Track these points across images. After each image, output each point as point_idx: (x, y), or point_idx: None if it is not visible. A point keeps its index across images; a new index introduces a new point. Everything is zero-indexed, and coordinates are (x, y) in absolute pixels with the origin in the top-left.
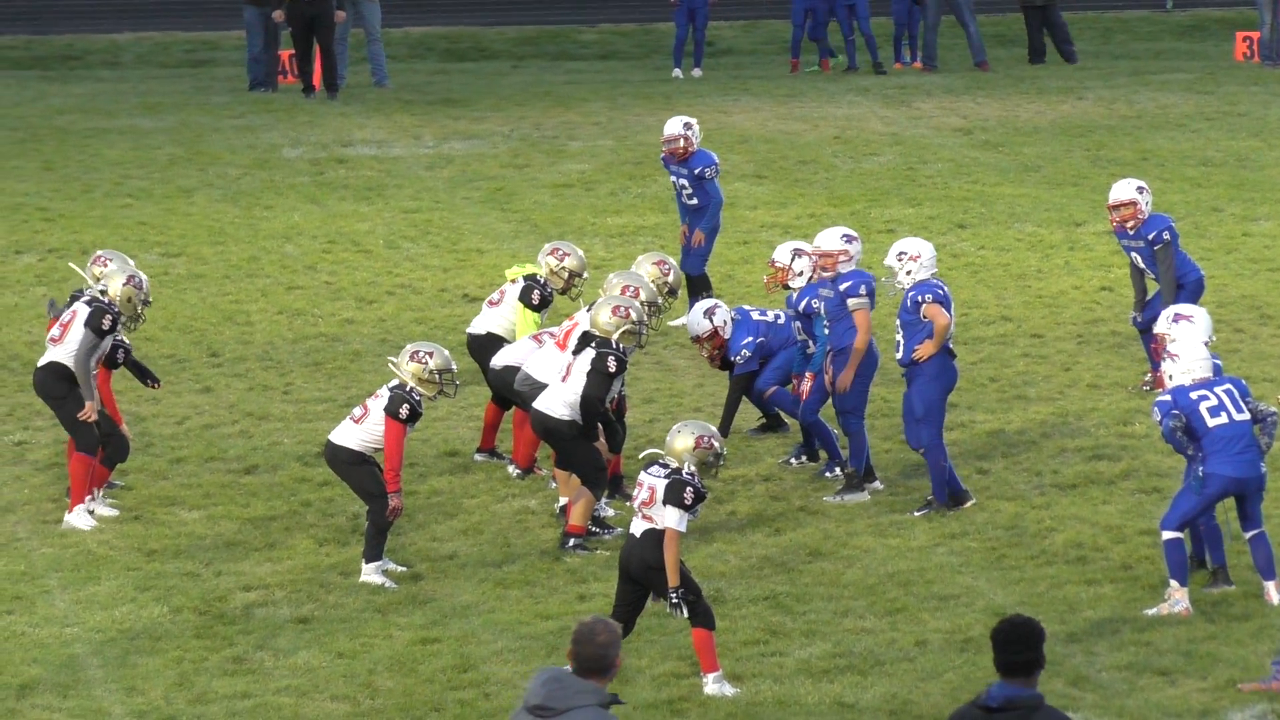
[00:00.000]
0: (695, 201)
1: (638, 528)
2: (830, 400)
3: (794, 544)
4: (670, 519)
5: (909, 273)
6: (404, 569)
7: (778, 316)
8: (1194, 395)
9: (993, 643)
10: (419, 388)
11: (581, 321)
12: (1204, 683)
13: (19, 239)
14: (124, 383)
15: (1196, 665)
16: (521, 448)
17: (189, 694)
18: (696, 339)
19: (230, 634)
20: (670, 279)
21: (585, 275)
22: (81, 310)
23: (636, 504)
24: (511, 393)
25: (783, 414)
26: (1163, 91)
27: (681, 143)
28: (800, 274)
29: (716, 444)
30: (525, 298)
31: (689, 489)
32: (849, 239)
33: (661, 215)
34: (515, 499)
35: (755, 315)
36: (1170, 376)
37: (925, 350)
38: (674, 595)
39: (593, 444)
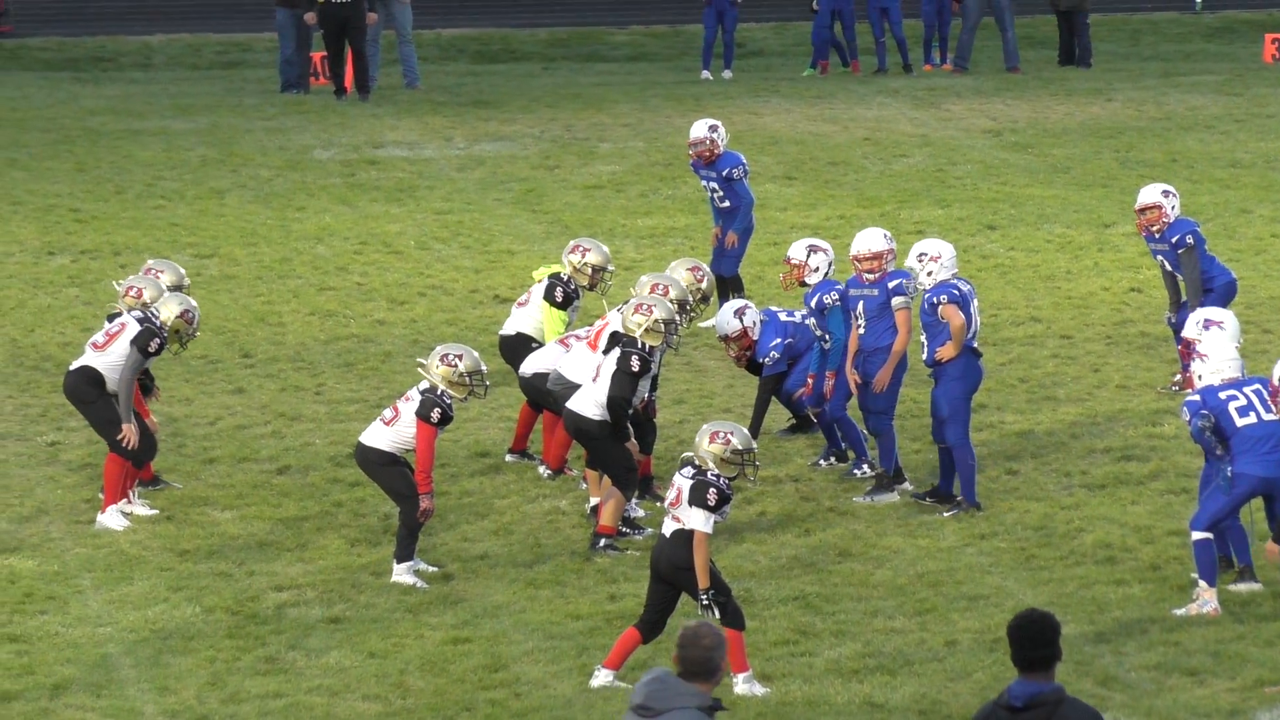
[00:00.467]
0: (727, 204)
1: (668, 528)
2: (856, 398)
3: (823, 544)
4: (696, 520)
5: (929, 273)
6: (435, 569)
7: (805, 317)
8: (1223, 395)
9: (1010, 640)
10: (449, 390)
11: (613, 321)
12: (1232, 683)
13: (52, 240)
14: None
15: (1225, 665)
16: (553, 449)
17: (221, 693)
18: (725, 338)
19: (262, 634)
20: (704, 285)
21: (610, 269)
22: (131, 326)
23: (667, 504)
24: (541, 397)
25: (812, 415)
26: (1192, 93)
27: (708, 145)
28: (816, 270)
29: (734, 439)
30: (549, 296)
31: (712, 490)
32: (889, 238)
33: (692, 217)
34: (546, 499)
35: (783, 316)
36: (1199, 377)
37: (946, 352)
38: (704, 596)
39: (624, 445)
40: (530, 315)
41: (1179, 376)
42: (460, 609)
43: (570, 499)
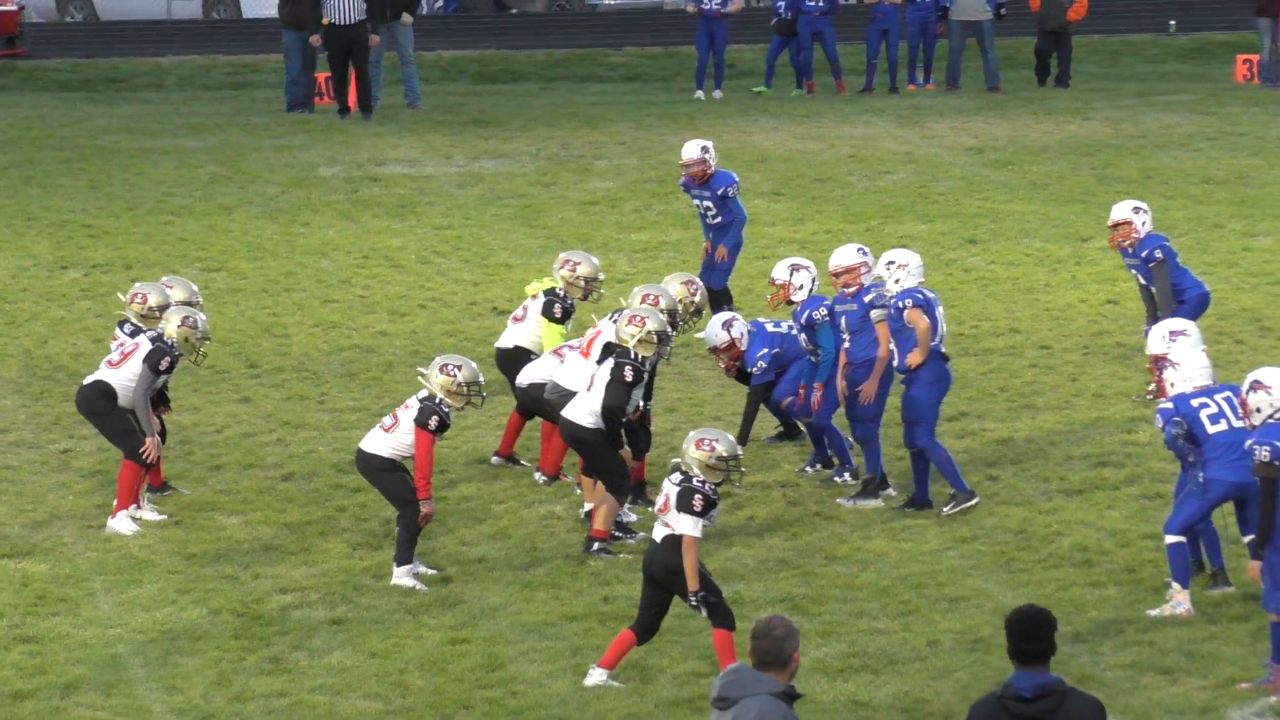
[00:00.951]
0: (719, 220)
1: (659, 533)
2: (843, 408)
3: (810, 547)
4: (684, 525)
5: (897, 280)
6: (434, 572)
7: (792, 328)
8: (1195, 403)
9: (1008, 633)
10: (447, 399)
11: (605, 330)
12: (1205, 681)
13: (65, 255)
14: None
15: (1198, 664)
16: (549, 455)
17: (227, 693)
18: (714, 350)
19: (267, 635)
20: (697, 299)
21: (601, 278)
22: (144, 346)
23: (656, 510)
24: (538, 406)
25: (800, 424)
26: (1167, 112)
27: (699, 166)
28: (801, 288)
29: (718, 446)
30: (548, 312)
31: (698, 496)
32: (864, 251)
33: (684, 231)
34: (542, 504)
35: (770, 327)
36: (1172, 384)
37: (914, 358)
38: (694, 598)
39: (618, 452)
40: (527, 330)
41: (1153, 386)
42: (458, 610)
43: (565, 504)
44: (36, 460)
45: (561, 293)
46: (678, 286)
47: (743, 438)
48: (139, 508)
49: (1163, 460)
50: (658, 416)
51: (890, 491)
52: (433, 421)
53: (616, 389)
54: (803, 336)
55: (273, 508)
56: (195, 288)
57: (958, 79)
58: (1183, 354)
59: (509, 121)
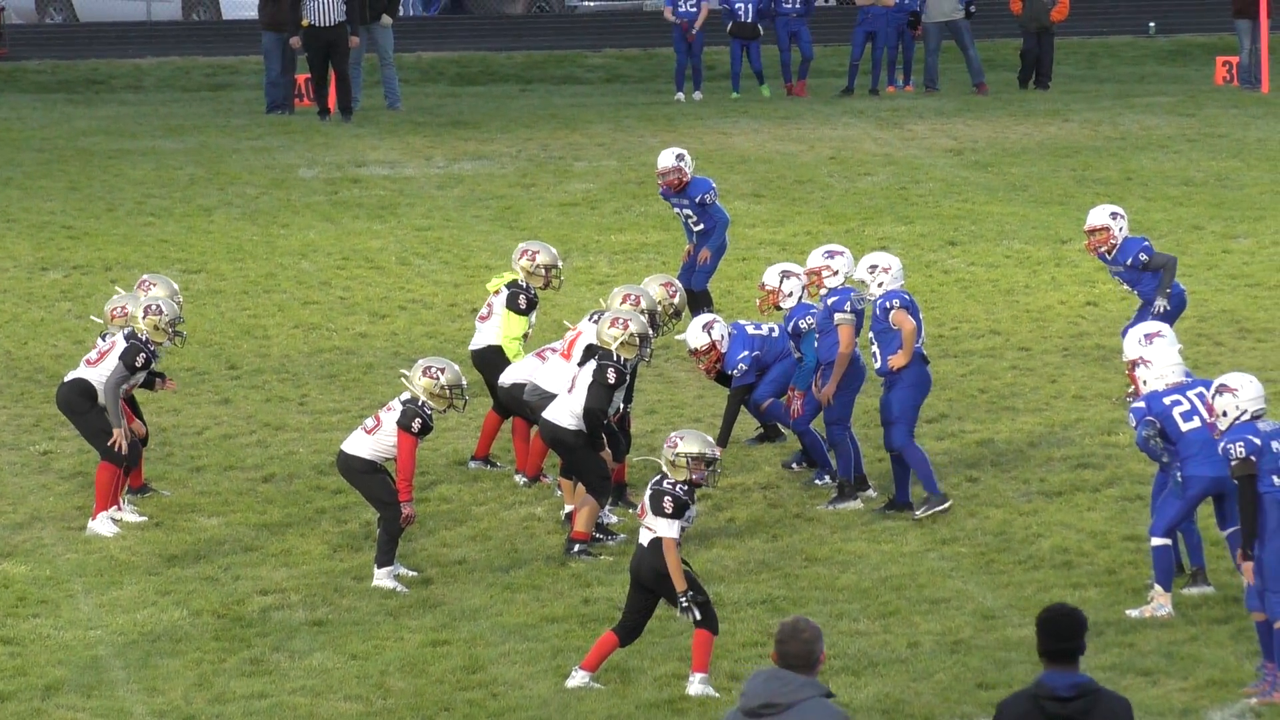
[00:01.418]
0: (702, 226)
1: (644, 537)
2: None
3: (790, 549)
4: (660, 528)
5: (879, 284)
6: (415, 574)
7: (772, 330)
8: (1167, 400)
9: (1039, 632)
10: (430, 402)
11: (586, 332)
12: (1185, 683)
13: (45, 256)
14: (143, 394)
15: (1177, 666)
16: (529, 458)
17: (208, 694)
18: (694, 352)
19: (248, 636)
20: (676, 301)
21: (559, 265)
22: (119, 344)
23: (638, 514)
24: (519, 408)
25: (780, 425)
26: (1146, 114)
27: (675, 175)
28: (790, 294)
29: (680, 444)
30: (513, 304)
31: (668, 498)
32: (830, 254)
33: (664, 233)
34: (522, 506)
35: (751, 329)
36: (1144, 382)
37: (898, 360)
38: (683, 599)
39: (598, 453)
40: (495, 327)
41: (1133, 388)
42: (439, 612)
43: (546, 506)
44: (17, 462)
45: (524, 284)
46: (657, 288)
47: (723, 439)
48: (119, 509)
49: (1143, 462)
50: (638, 418)
51: (871, 493)
52: (415, 424)
53: (598, 391)
54: (792, 344)
55: (253, 509)
56: (175, 286)
57: (936, 81)
58: (1156, 352)
59: (488, 123)
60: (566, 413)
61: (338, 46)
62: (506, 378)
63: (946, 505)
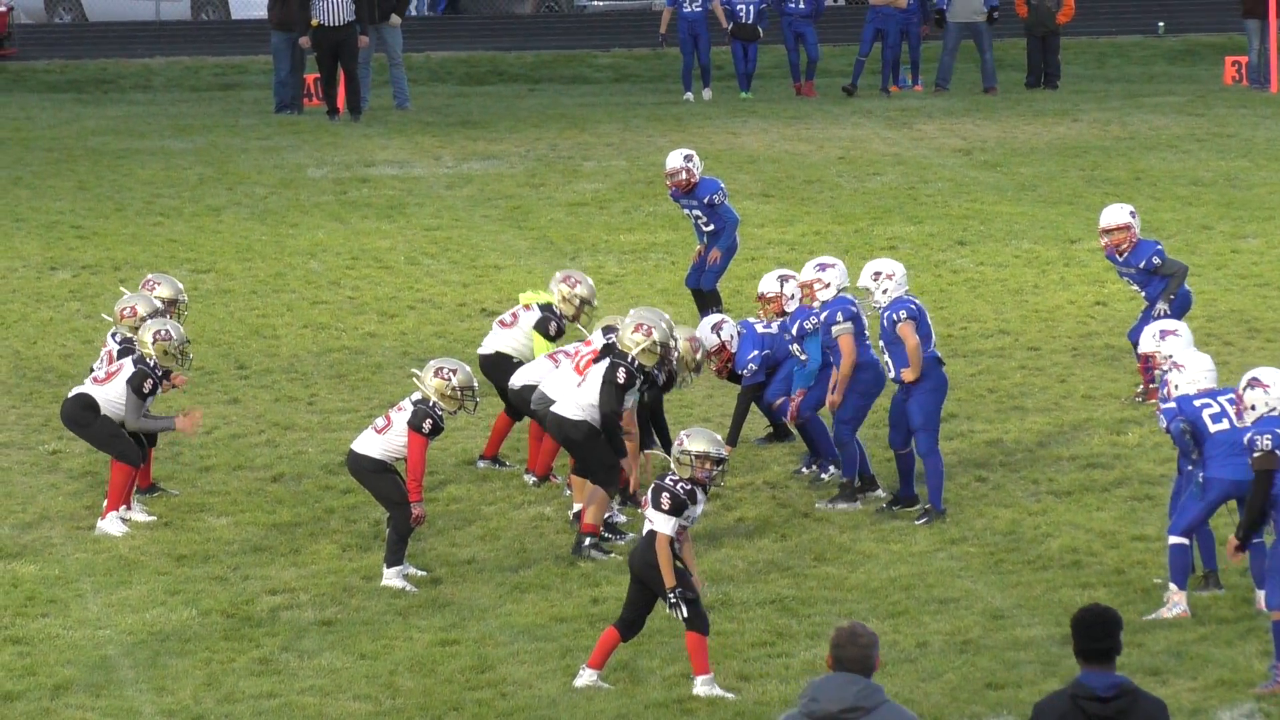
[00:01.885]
0: (712, 227)
1: (645, 529)
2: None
3: (799, 549)
4: (656, 523)
5: (885, 291)
6: (424, 573)
7: (782, 329)
8: (1198, 403)
9: (1075, 632)
10: (441, 403)
11: (597, 344)
12: (1194, 683)
13: (54, 256)
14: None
15: (1187, 666)
16: (539, 457)
17: (217, 694)
18: (704, 353)
19: (257, 636)
20: (699, 357)
21: (594, 303)
22: (126, 368)
23: (642, 508)
24: (529, 408)
25: (789, 424)
26: (1155, 114)
27: (684, 175)
28: (792, 298)
29: (686, 442)
30: (542, 328)
31: (666, 494)
32: (822, 267)
33: (673, 233)
34: (531, 506)
35: (760, 328)
36: (1176, 386)
37: (909, 375)
38: (671, 595)
39: (605, 444)
40: (513, 337)
41: (1142, 388)
42: (448, 612)
43: (555, 505)
44: (26, 461)
45: (557, 310)
46: (683, 342)
47: (732, 439)
48: (128, 509)
49: (1152, 461)
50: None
51: (880, 493)
52: (426, 425)
53: (609, 390)
54: (796, 346)
55: (262, 509)
56: (180, 285)
57: (948, 80)
58: (1188, 356)
59: (497, 123)
60: (573, 404)
61: (347, 46)
62: (517, 380)
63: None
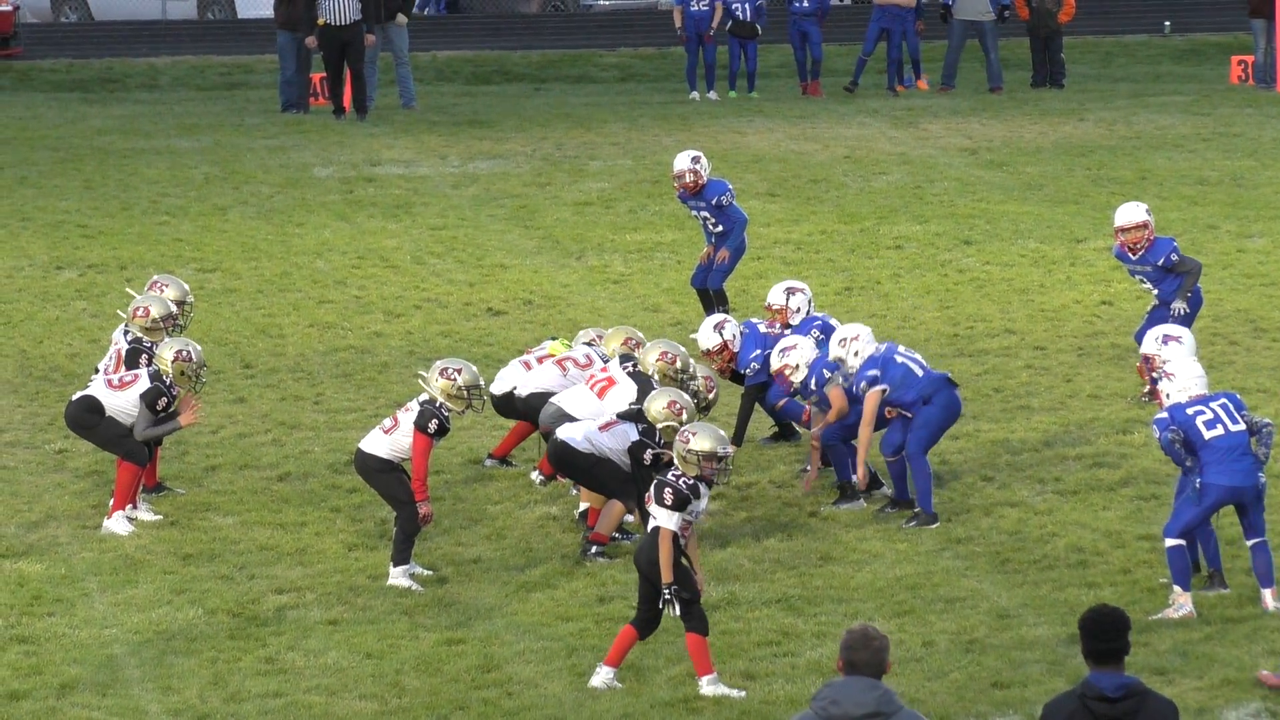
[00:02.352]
0: (720, 228)
1: (649, 524)
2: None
3: (805, 548)
4: (659, 518)
5: (855, 354)
6: (430, 573)
7: (786, 329)
8: (1190, 411)
9: (1083, 633)
10: (448, 403)
11: (613, 372)
12: (1200, 682)
13: (60, 255)
14: None
15: (1192, 665)
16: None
17: (223, 693)
18: (707, 352)
19: (263, 635)
20: (711, 397)
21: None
22: (142, 381)
23: (647, 500)
24: (534, 417)
25: (795, 424)
26: (1161, 113)
27: (690, 177)
28: (798, 310)
29: (692, 440)
30: (422, 423)
31: (669, 489)
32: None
33: (679, 232)
34: (537, 505)
35: (763, 329)
36: (1167, 395)
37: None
38: (666, 592)
39: (612, 464)
40: (534, 381)
41: (1147, 388)
42: (454, 611)
43: (561, 505)
44: (32, 460)
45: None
46: (700, 380)
47: (737, 438)
48: (134, 508)
49: (1158, 461)
50: None
51: (886, 490)
52: (432, 425)
53: (636, 470)
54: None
55: (268, 508)
56: (187, 287)
57: (953, 78)
58: (1178, 365)
59: (503, 122)
60: (580, 433)
61: (353, 45)
62: (524, 388)
63: (934, 525)
